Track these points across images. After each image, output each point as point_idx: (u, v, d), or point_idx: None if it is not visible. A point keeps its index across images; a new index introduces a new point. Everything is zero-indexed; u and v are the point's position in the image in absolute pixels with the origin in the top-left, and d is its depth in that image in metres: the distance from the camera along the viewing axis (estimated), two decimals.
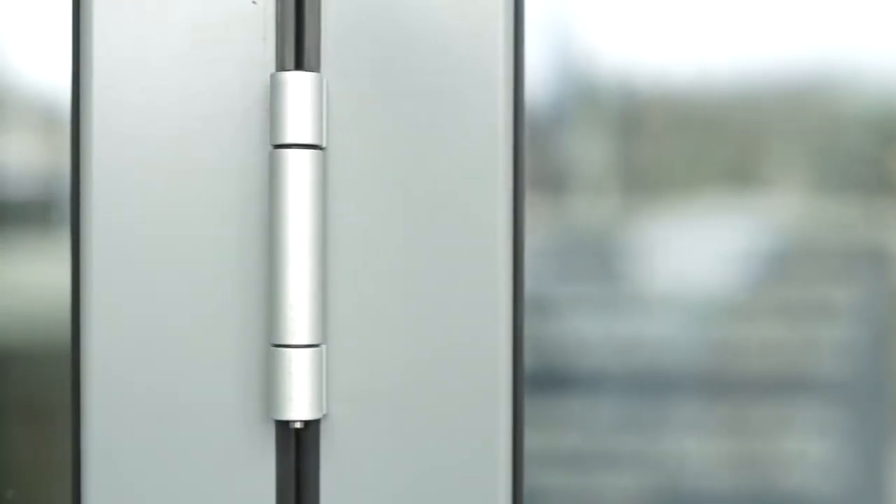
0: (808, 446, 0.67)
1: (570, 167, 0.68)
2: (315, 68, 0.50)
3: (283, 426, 0.50)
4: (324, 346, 0.49)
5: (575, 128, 0.67)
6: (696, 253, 0.67)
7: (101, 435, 0.50)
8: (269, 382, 0.49)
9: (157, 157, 0.49)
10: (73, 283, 0.50)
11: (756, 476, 0.67)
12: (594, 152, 0.67)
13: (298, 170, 0.48)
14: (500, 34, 0.49)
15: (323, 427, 0.50)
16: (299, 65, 0.50)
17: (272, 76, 0.49)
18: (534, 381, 0.53)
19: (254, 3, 0.49)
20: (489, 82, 0.49)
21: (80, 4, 0.49)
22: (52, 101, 0.63)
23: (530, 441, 0.52)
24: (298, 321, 0.48)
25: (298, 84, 0.48)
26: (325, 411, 0.49)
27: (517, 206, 0.50)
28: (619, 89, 0.68)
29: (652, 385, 0.67)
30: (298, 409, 0.48)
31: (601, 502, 0.67)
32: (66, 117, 0.50)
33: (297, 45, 0.50)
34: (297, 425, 0.49)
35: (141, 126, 0.49)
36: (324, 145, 0.49)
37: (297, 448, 0.50)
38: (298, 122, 0.48)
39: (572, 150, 0.67)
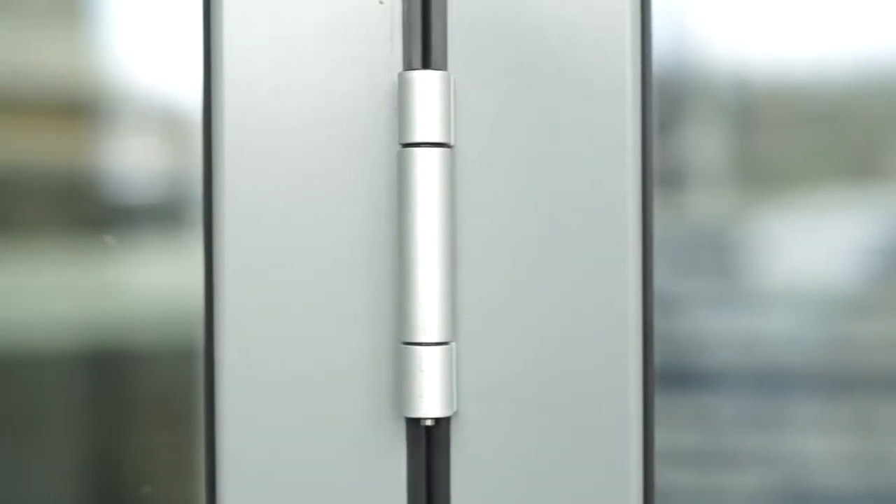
0: None
1: (689, 162, 0.67)
2: (442, 67, 0.50)
3: (413, 424, 0.50)
4: (454, 344, 0.49)
5: (693, 122, 0.67)
6: (818, 248, 0.66)
7: (234, 434, 0.50)
8: (400, 380, 0.49)
9: (287, 157, 0.50)
10: (205, 284, 0.51)
11: (880, 474, 0.66)
12: (712, 146, 0.66)
13: (427, 168, 0.48)
14: (628, 28, 0.49)
15: (453, 424, 0.50)
16: (426, 64, 0.50)
17: (400, 75, 0.49)
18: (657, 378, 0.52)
19: (381, 3, 0.50)
20: (617, 77, 0.49)
21: (211, 7, 0.50)
22: (185, 104, 0.64)
23: (657, 438, 0.52)
24: (429, 319, 0.48)
25: (426, 83, 0.48)
26: (455, 409, 0.49)
27: (646, 202, 0.50)
28: (737, 82, 0.67)
29: (774, 382, 0.66)
30: (429, 406, 0.48)
31: (725, 501, 0.67)
32: (199, 119, 0.51)
33: (424, 44, 0.50)
34: (428, 423, 0.49)
35: (271, 127, 0.50)
36: (452, 143, 0.49)
37: (428, 445, 0.50)
38: (426, 121, 0.48)
39: (690, 145, 0.67)
